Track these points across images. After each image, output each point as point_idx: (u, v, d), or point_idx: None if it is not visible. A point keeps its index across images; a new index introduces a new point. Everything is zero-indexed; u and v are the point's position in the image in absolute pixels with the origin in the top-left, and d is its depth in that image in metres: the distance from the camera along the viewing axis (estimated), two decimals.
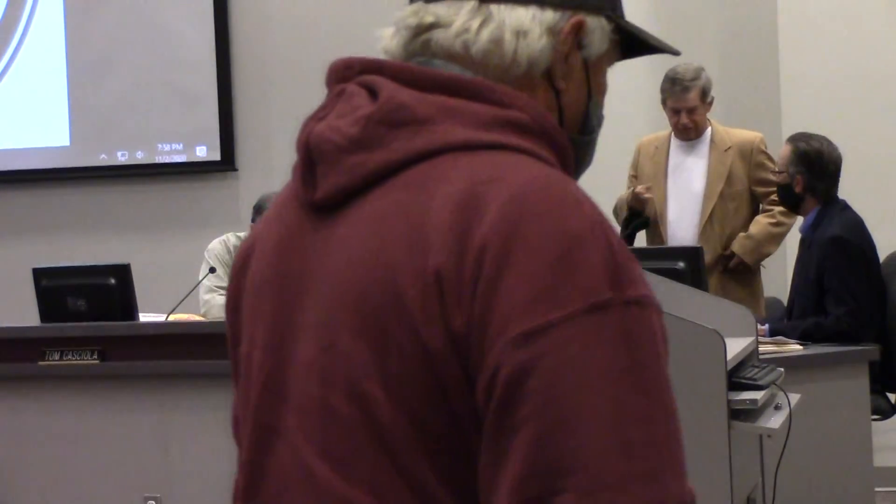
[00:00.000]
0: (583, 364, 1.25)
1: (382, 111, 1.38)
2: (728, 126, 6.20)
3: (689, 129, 6.01)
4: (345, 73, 1.45)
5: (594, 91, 1.50)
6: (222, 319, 5.31)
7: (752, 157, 6.00)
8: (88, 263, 6.28)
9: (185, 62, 8.28)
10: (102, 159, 8.40)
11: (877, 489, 5.45)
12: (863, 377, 5.13)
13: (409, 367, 1.31)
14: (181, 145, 8.31)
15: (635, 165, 6.22)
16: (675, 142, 6.09)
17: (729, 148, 5.99)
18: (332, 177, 1.39)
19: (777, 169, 5.65)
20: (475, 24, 1.41)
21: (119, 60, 8.34)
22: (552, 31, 1.43)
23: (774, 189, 5.79)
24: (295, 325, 1.41)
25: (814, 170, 5.51)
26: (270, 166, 8.18)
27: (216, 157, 8.27)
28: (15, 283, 7.67)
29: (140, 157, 8.37)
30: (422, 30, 1.44)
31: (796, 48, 7.11)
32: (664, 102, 6.06)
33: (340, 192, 1.39)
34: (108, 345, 5.35)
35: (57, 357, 5.40)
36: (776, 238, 6.02)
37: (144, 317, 5.62)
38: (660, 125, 6.48)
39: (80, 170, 8.42)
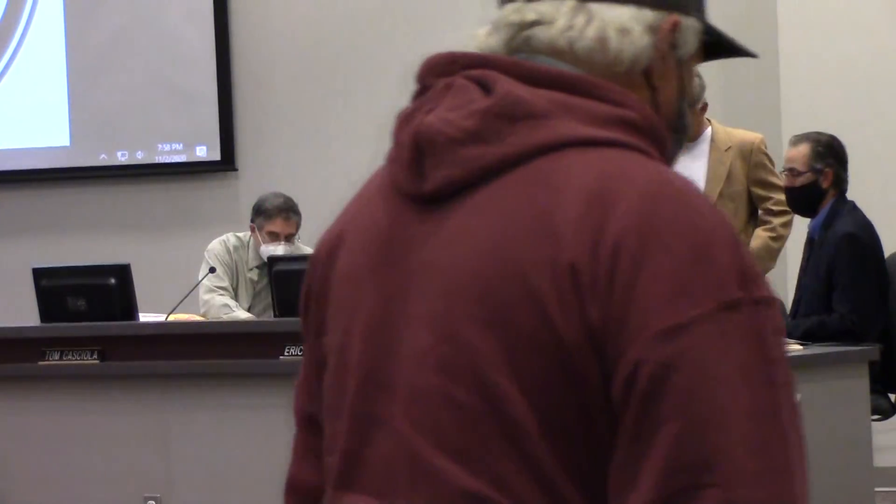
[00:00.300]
0: (723, 361, 1.29)
1: (500, 105, 1.38)
2: (728, 126, 6.19)
3: None
4: (448, 68, 1.45)
5: (685, 90, 1.52)
6: (222, 320, 5.29)
7: (751, 157, 5.98)
8: (88, 263, 6.28)
9: (185, 62, 8.27)
10: (102, 159, 8.40)
11: (877, 489, 5.45)
12: (863, 377, 5.12)
13: (540, 359, 1.32)
14: (181, 145, 8.31)
15: None
16: None
17: (729, 148, 5.97)
18: (445, 169, 1.40)
19: (798, 170, 5.59)
20: (580, 21, 1.43)
21: (119, 60, 8.34)
22: (652, 29, 1.45)
23: (772, 192, 5.79)
24: (400, 315, 1.41)
25: (842, 160, 5.53)
26: (270, 166, 8.18)
27: (216, 157, 8.27)
28: (15, 283, 7.67)
29: (140, 157, 8.37)
30: (524, 27, 1.45)
31: (796, 48, 7.11)
32: None
33: (453, 185, 1.40)
34: (108, 345, 5.35)
35: (57, 357, 5.40)
36: (775, 254, 6.01)
37: (144, 317, 5.63)
38: None
39: (80, 170, 8.42)
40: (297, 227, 6.29)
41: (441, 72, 1.46)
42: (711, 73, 6.24)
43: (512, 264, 1.34)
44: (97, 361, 5.34)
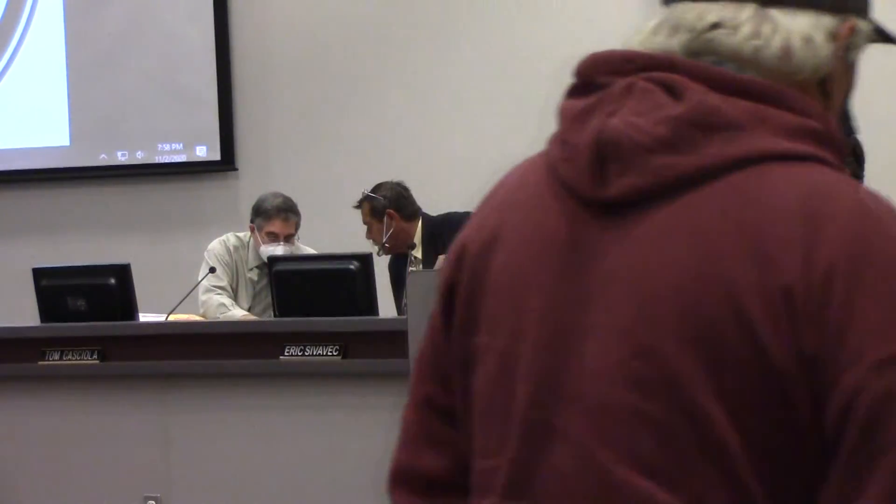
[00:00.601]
0: None
1: (694, 113, 1.34)
2: None
3: None
4: (622, 66, 1.41)
5: (850, 94, 1.49)
6: (221, 320, 5.29)
7: None
8: (88, 263, 6.28)
9: (185, 62, 8.28)
10: (102, 159, 8.40)
11: None
12: None
13: (749, 382, 1.30)
14: (181, 145, 8.31)
15: None
16: None
17: None
18: (633, 177, 1.35)
19: None
20: (766, 29, 1.39)
21: (119, 60, 8.34)
22: (832, 36, 1.42)
23: None
24: (579, 324, 1.37)
25: (860, 159, 5.55)
26: (270, 166, 8.18)
27: (216, 156, 8.27)
28: (15, 283, 7.67)
29: (140, 156, 8.37)
30: (704, 30, 1.41)
31: None
32: None
33: (640, 193, 1.35)
34: (108, 345, 5.35)
35: (57, 357, 5.40)
36: None
37: (144, 317, 5.63)
38: None
39: (80, 170, 8.42)
40: (297, 227, 6.28)
41: (613, 70, 1.41)
42: None
43: (718, 282, 1.31)
44: (97, 361, 5.34)
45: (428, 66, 8.01)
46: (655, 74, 1.38)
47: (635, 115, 1.36)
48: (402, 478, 1.53)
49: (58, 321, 5.52)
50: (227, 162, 8.27)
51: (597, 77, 1.42)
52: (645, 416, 1.32)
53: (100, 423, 5.36)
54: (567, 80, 1.50)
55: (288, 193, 6.40)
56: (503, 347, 1.42)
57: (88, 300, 5.53)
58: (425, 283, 3.95)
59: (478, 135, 7.93)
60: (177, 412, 5.27)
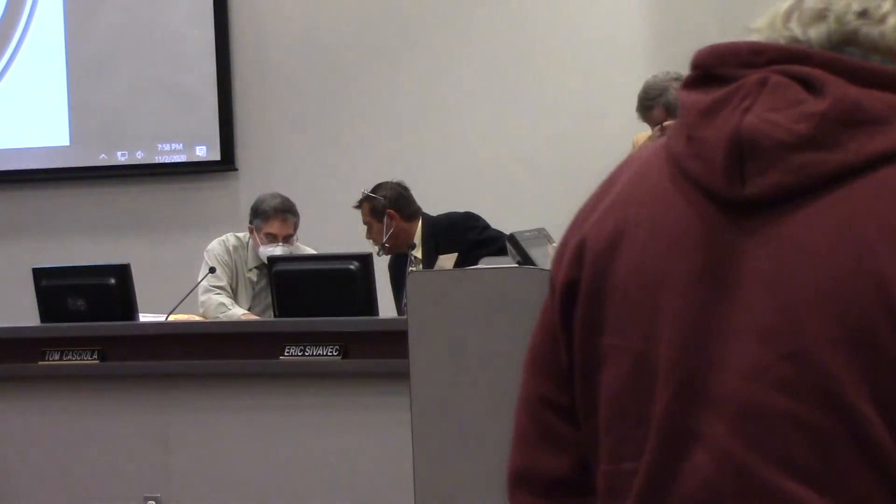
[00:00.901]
0: None
1: (839, 109, 1.31)
2: None
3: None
4: (752, 59, 1.37)
5: None
6: (220, 319, 5.29)
7: None
8: (88, 263, 6.28)
9: (185, 62, 8.28)
10: (102, 159, 8.40)
11: None
12: None
13: None
14: (181, 145, 8.31)
15: None
16: None
17: None
18: (774, 175, 1.31)
19: None
20: None
21: (119, 60, 8.35)
22: None
23: None
24: (721, 326, 1.34)
25: None
26: (270, 166, 8.18)
27: (216, 157, 8.27)
28: (15, 283, 7.67)
29: (140, 156, 8.37)
30: (846, 20, 1.36)
31: None
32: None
33: (783, 192, 1.32)
34: (108, 345, 5.36)
35: (57, 357, 5.40)
36: None
37: (144, 317, 5.63)
38: None
39: (80, 170, 8.42)
40: (295, 227, 6.28)
41: (740, 63, 1.37)
42: None
43: (869, 281, 1.28)
44: (97, 361, 5.34)
45: (428, 66, 8.01)
46: (790, 68, 1.34)
47: (771, 110, 1.32)
48: (522, 480, 1.50)
49: (58, 321, 5.52)
50: (227, 162, 8.27)
51: (721, 69, 1.38)
52: (796, 420, 1.29)
53: (100, 423, 5.36)
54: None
55: (288, 194, 6.40)
56: (637, 349, 1.38)
57: (88, 300, 5.53)
58: (425, 283, 3.96)
59: (478, 135, 7.93)
60: (177, 412, 5.27)
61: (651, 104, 5.82)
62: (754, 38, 1.41)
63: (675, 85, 5.92)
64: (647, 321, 1.38)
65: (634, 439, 1.38)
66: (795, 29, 1.38)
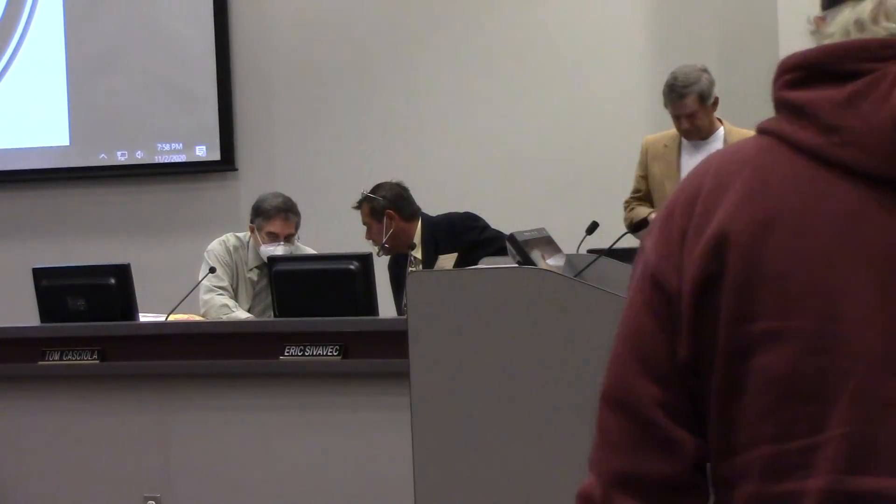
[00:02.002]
0: None
1: None
2: (732, 125, 6.20)
3: (690, 132, 6.01)
4: (882, 53, 1.45)
5: None
6: (221, 320, 5.27)
7: None
8: (88, 263, 6.28)
9: (185, 62, 8.28)
10: (102, 159, 8.41)
11: None
12: None
13: None
14: (181, 145, 8.31)
15: (643, 165, 6.20)
16: (685, 141, 6.09)
17: None
18: None
19: None
20: None
21: (119, 60, 8.35)
22: None
23: None
24: None
25: None
26: (270, 166, 8.18)
27: (216, 157, 8.27)
28: (15, 283, 7.67)
29: (140, 156, 8.37)
30: None
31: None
32: (665, 106, 6.06)
33: None
34: (108, 345, 5.36)
35: (57, 357, 5.40)
36: None
37: (144, 317, 5.63)
38: (662, 125, 6.47)
39: (80, 170, 8.43)
40: (297, 227, 6.28)
41: (871, 57, 1.45)
42: (711, 73, 6.23)
43: None
44: (97, 361, 5.34)
45: (428, 66, 8.01)
46: None
47: None
48: (627, 485, 1.51)
49: (58, 321, 5.52)
50: (226, 162, 8.27)
51: (848, 65, 1.46)
52: None
53: (100, 423, 5.36)
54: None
55: (288, 193, 6.40)
56: (809, 329, 1.43)
57: (88, 300, 5.53)
58: (425, 283, 3.96)
59: (478, 135, 7.93)
60: (177, 412, 5.27)
61: (685, 92, 5.91)
62: (827, 42, 1.50)
63: (706, 76, 5.98)
64: (820, 302, 1.43)
65: (808, 416, 1.43)
66: (892, 26, 1.47)
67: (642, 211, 6.07)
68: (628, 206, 6.20)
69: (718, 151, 1.56)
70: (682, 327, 1.49)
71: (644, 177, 6.18)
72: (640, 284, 1.53)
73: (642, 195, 6.20)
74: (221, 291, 6.18)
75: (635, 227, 5.75)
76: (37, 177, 8.50)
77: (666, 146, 6.11)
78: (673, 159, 6.08)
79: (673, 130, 6.15)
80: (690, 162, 6.07)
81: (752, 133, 5.65)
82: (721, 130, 6.06)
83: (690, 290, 1.48)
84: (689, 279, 1.49)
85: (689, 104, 5.93)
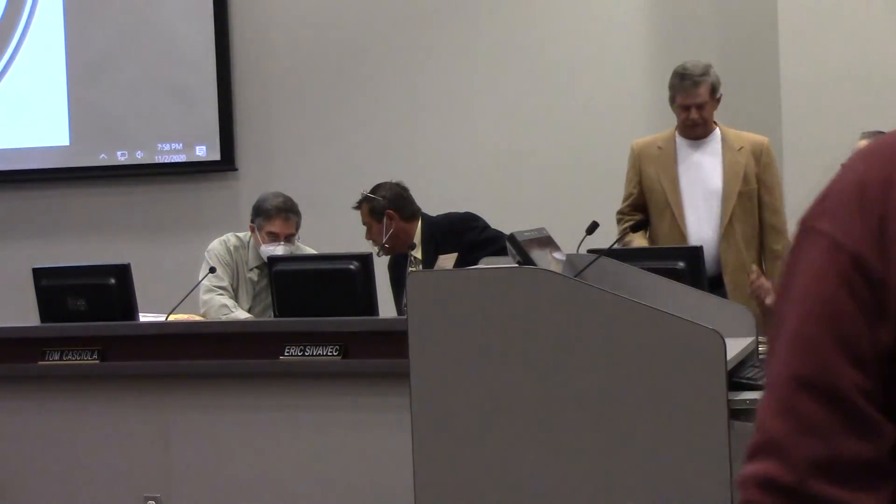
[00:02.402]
0: None
1: None
2: (727, 126, 6.20)
3: (697, 125, 5.98)
4: None
5: None
6: (222, 320, 5.26)
7: (761, 158, 6.03)
8: (88, 263, 6.28)
9: (185, 62, 8.28)
10: (102, 159, 8.41)
11: None
12: None
13: None
14: (181, 145, 8.31)
15: (636, 169, 6.12)
16: (681, 141, 6.06)
17: (741, 148, 6.01)
18: None
19: None
20: None
21: (119, 60, 8.35)
22: None
23: (774, 194, 5.87)
24: None
25: None
26: (270, 166, 8.18)
27: (216, 157, 8.27)
28: (15, 283, 7.67)
29: (140, 156, 8.37)
30: None
31: (796, 48, 7.11)
32: (672, 99, 6.03)
33: None
34: (108, 345, 5.35)
35: (57, 357, 5.40)
36: None
37: (144, 317, 5.63)
38: (659, 126, 6.47)
39: (80, 170, 8.43)
40: (297, 227, 6.29)
41: None
42: None
43: None
44: (97, 361, 5.34)
45: (428, 66, 8.01)
46: None
47: None
48: (824, 470, 1.48)
49: (58, 321, 5.52)
50: (227, 162, 8.27)
51: None
52: None
53: (100, 423, 5.36)
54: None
55: (288, 193, 6.41)
56: None
57: (88, 300, 5.53)
58: (425, 283, 3.96)
59: (478, 135, 7.93)
60: (177, 412, 5.27)
61: (700, 80, 5.94)
62: None
63: (713, 70, 6.00)
64: None
65: None
66: None
67: (637, 242, 6.00)
68: (622, 220, 6.12)
69: (890, 139, 1.53)
70: (889, 313, 1.45)
71: (637, 182, 6.12)
72: (832, 266, 1.48)
73: (634, 201, 6.12)
74: (221, 291, 6.18)
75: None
76: (37, 177, 8.50)
77: (660, 148, 6.08)
78: (670, 159, 6.06)
79: (665, 132, 6.14)
80: (688, 162, 6.06)
81: (747, 134, 5.67)
82: (717, 131, 6.06)
83: (854, 278, 1.44)
84: (846, 267, 1.44)
85: (702, 93, 5.94)
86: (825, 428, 1.47)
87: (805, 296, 1.50)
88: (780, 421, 1.49)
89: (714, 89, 5.99)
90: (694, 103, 5.95)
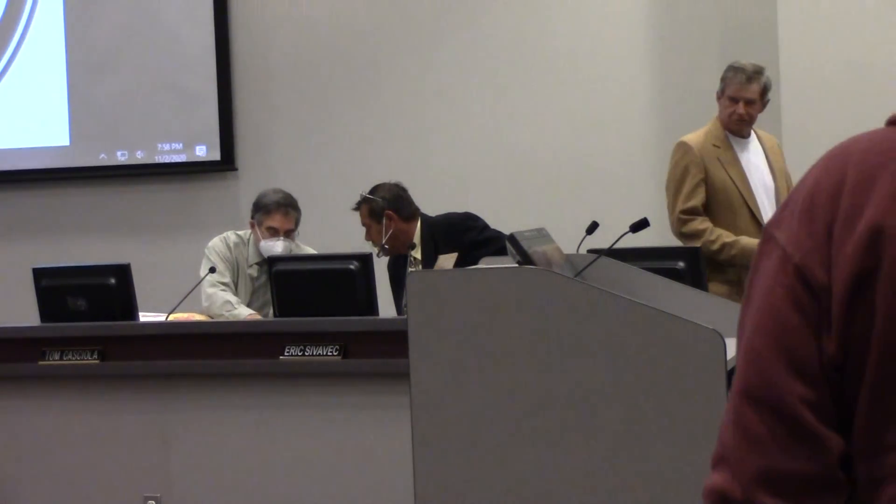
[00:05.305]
0: None
1: None
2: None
3: (744, 121, 5.92)
4: None
5: None
6: (223, 318, 5.26)
7: (781, 154, 6.09)
8: (88, 263, 6.28)
9: (185, 62, 8.28)
10: (102, 159, 8.41)
11: None
12: None
13: None
14: (181, 145, 8.32)
15: (699, 166, 5.91)
16: (732, 138, 5.98)
17: (773, 146, 6.06)
18: None
19: None
20: None
21: (119, 60, 8.35)
22: None
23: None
24: None
25: None
26: (270, 166, 8.18)
27: (216, 156, 8.27)
28: (15, 283, 7.67)
29: (140, 156, 8.38)
30: None
31: (796, 47, 7.11)
32: (722, 91, 5.95)
33: None
34: (108, 345, 5.36)
35: (57, 357, 5.40)
36: None
37: (144, 317, 5.63)
38: (660, 126, 6.47)
39: (80, 170, 8.43)
40: (297, 222, 6.30)
41: None
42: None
43: None
44: (97, 361, 5.34)
45: (428, 67, 8.01)
46: None
47: None
48: (769, 484, 1.47)
49: (58, 321, 5.52)
50: (226, 162, 8.27)
51: None
52: None
53: (100, 423, 5.36)
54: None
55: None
56: None
57: (88, 300, 5.53)
58: (425, 283, 3.96)
59: (478, 136, 7.93)
60: (177, 412, 5.27)
61: (753, 77, 5.91)
62: None
63: (767, 74, 5.97)
64: None
65: None
66: None
67: (746, 240, 5.82)
68: (690, 221, 5.88)
69: (849, 143, 1.52)
70: (831, 323, 1.44)
71: (702, 179, 5.90)
72: (780, 278, 1.47)
73: (698, 204, 5.90)
74: (224, 287, 6.20)
75: (637, 226, 5.72)
76: (37, 177, 8.50)
77: (716, 146, 5.92)
78: (734, 157, 5.96)
79: (708, 128, 6.00)
80: (745, 159, 5.99)
81: (767, 134, 5.62)
82: (754, 134, 6.04)
83: (844, 286, 1.43)
84: (843, 274, 1.43)
85: (754, 89, 5.89)
86: (768, 442, 1.46)
87: (758, 308, 1.49)
88: (730, 434, 1.49)
89: (765, 91, 5.92)
90: (744, 97, 5.88)
